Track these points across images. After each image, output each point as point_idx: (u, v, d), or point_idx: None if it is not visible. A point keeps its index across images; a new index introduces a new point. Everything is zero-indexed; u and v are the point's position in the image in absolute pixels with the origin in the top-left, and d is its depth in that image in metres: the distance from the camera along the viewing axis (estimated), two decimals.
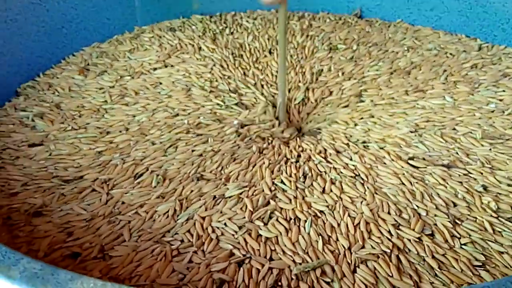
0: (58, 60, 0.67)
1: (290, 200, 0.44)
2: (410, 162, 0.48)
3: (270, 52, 0.68)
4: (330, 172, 0.48)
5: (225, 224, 0.42)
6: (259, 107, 0.57)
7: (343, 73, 0.63)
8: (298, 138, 0.54)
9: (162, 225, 0.42)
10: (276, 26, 0.74)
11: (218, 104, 0.58)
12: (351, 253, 0.39)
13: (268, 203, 0.44)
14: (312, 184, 0.46)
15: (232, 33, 0.73)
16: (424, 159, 0.49)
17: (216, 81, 0.62)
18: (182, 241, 0.40)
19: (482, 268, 0.38)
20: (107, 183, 0.47)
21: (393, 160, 0.49)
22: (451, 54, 0.66)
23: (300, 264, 0.38)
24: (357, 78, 0.62)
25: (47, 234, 0.41)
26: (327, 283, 0.37)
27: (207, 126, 0.55)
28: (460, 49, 0.67)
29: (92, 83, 0.62)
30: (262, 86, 0.62)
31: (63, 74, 0.64)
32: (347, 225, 0.41)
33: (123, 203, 0.44)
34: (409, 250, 0.39)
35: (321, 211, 0.43)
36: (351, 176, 0.47)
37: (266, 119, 0.56)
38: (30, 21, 0.63)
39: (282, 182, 0.47)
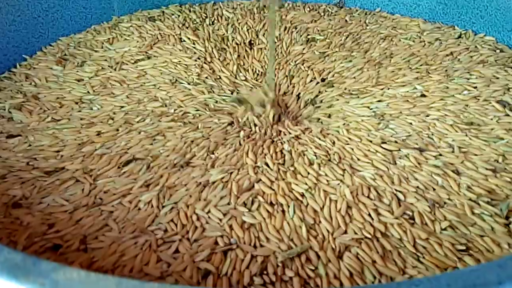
0: (35, 50, 0.66)
1: (273, 183, 0.45)
2: (383, 145, 0.49)
3: (250, 44, 0.68)
4: (308, 152, 0.49)
5: (210, 211, 0.42)
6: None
7: (313, 70, 0.63)
8: (278, 125, 0.54)
9: (146, 215, 0.41)
10: (256, 16, 0.74)
11: (211, 98, 0.58)
12: (334, 239, 0.39)
13: (253, 187, 0.44)
14: (293, 165, 0.47)
15: (212, 23, 0.72)
16: (396, 142, 0.49)
17: (206, 76, 0.61)
18: (166, 230, 0.40)
19: (466, 253, 0.38)
20: (91, 173, 0.46)
21: (364, 143, 0.49)
22: (428, 42, 0.67)
23: (286, 251, 0.38)
24: (328, 71, 0.62)
25: (27, 226, 0.41)
26: (312, 270, 0.37)
27: (199, 116, 0.54)
28: (437, 37, 0.68)
29: (71, 74, 0.61)
30: (254, 86, 0.61)
31: (41, 65, 0.63)
32: (330, 209, 0.42)
33: (106, 192, 0.44)
34: (392, 235, 0.40)
35: (302, 195, 0.43)
36: (328, 159, 0.48)
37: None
38: (5, 10, 0.62)
39: (266, 164, 0.47)
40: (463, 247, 0.38)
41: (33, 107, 0.55)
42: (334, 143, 0.50)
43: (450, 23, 0.71)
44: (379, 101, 0.55)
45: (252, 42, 0.68)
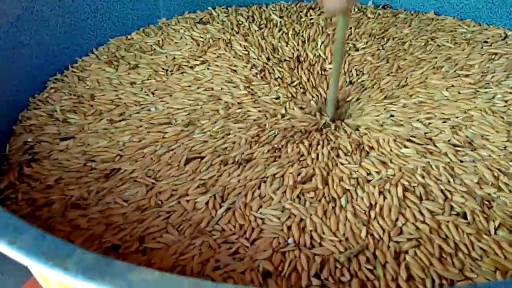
0: (85, 52, 0.67)
1: (328, 178, 0.45)
2: (412, 139, 0.49)
3: (298, 59, 0.65)
4: (347, 147, 0.50)
5: (267, 210, 0.42)
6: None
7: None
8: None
9: (203, 216, 0.42)
10: (303, 20, 0.73)
11: (276, 102, 0.57)
12: (389, 238, 0.39)
13: (309, 180, 0.45)
14: (339, 155, 0.48)
15: (260, 28, 0.71)
16: (430, 139, 0.49)
17: (267, 84, 0.60)
18: (224, 230, 0.41)
19: None
20: (150, 174, 0.47)
21: (396, 140, 0.50)
22: (473, 43, 0.64)
23: (345, 250, 0.38)
24: (356, 90, 0.60)
25: (85, 227, 0.41)
26: (370, 270, 0.37)
27: (265, 119, 0.54)
28: (482, 39, 0.65)
29: (124, 76, 0.61)
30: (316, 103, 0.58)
31: (93, 67, 0.63)
32: (382, 207, 0.42)
33: (164, 194, 0.44)
34: (446, 236, 0.39)
35: (355, 191, 0.44)
36: (366, 154, 0.49)
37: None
38: (55, 12, 0.63)
39: (321, 157, 0.48)
40: None
41: (87, 109, 0.55)
42: (364, 139, 0.50)
43: (497, 24, 0.69)
44: (403, 104, 0.55)
45: (299, 56, 0.66)
